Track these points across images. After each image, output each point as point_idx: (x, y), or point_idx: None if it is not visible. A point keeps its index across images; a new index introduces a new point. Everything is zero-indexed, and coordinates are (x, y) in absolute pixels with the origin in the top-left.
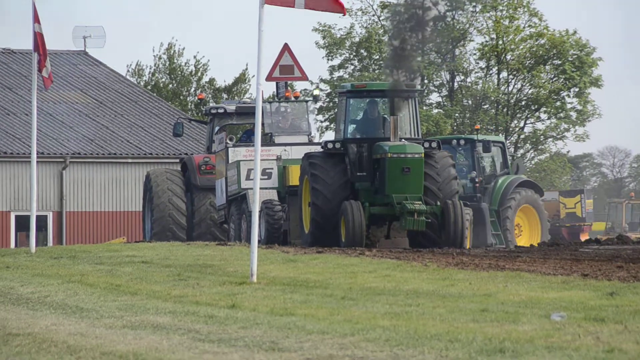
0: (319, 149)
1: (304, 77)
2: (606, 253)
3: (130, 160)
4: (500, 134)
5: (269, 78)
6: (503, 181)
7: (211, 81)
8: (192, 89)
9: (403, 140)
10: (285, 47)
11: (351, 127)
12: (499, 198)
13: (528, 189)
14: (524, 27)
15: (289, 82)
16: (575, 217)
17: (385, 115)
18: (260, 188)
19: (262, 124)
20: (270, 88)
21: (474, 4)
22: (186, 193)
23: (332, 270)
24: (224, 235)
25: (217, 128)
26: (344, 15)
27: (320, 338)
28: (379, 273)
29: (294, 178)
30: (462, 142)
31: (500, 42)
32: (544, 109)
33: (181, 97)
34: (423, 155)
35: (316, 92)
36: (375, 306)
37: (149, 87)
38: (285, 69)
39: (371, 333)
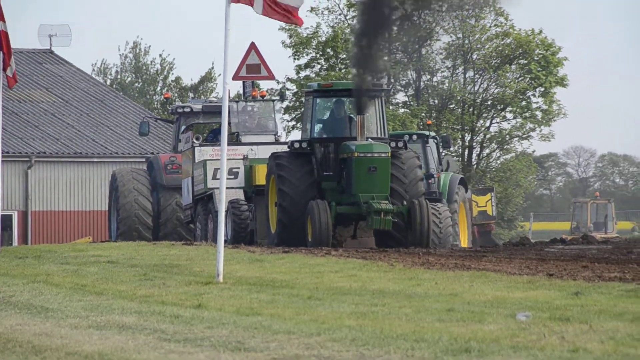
0: (285, 148)
1: (270, 77)
2: (571, 253)
3: (96, 160)
4: (466, 134)
5: (235, 77)
6: (445, 178)
7: (177, 80)
8: (158, 88)
9: (370, 139)
10: (252, 46)
11: (318, 127)
12: (446, 195)
13: (461, 187)
14: (490, 27)
15: (255, 81)
16: (486, 216)
17: (352, 115)
18: (227, 188)
19: (229, 124)
20: (236, 87)
21: (440, 3)
22: (152, 192)
23: (299, 270)
24: (190, 235)
25: (183, 127)
26: (300, 25)
27: (286, 338)
28: (345, 273)
29: (260, 177)
30: (414, 137)
31: (467, 41)
32: (510, 108)
33: (147, 96)
34: (390, 154)
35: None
36: (341, 306)
37: (115, 86)
38: (252, 68)
39: (337, 333)
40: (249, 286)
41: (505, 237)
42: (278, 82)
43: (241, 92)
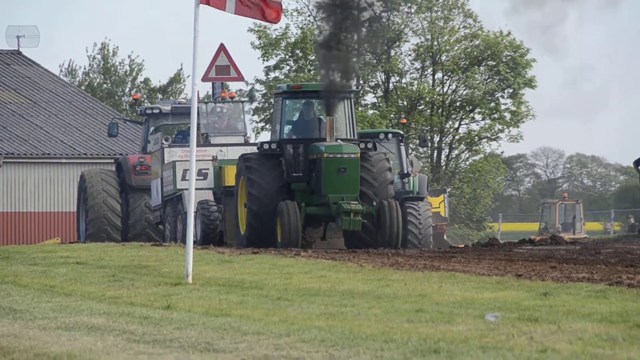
0: (254, 149)
1: (240, 78)
2: (540, 253)
3: (64, 161)
4: (435, 135)
5: (205, 78)
6: (415, 178)
7: (146, 81)
8: (127, 89)
9: (339, 140)
10: (221, 48)
11: (287, 128)
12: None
13: None
14: (458, 28)
15: (224, 82)
16: (439, 217)
17: (321, 116)
18: (196, 189)
19: (198, 125)
20: (205, 88)
21: (409, 4)
22: (121, 194)
23: (268, 271)
24: (159, 237)
25: (152, 128)
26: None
27: (255, 339)
28: (315, 274)
29: (229, 178)
30: (389, 136)
31: (435, 43)
32: (479, 109)
33: (116, 97)
34: (359, 155)
35: (255, 87)
36: (310, 307)
37: (83, 87)
38: (221, 69)
39: (306, 334)
40: (218, 287)
41: (474, 238)
42: (247, 84)
43: (211, 93)
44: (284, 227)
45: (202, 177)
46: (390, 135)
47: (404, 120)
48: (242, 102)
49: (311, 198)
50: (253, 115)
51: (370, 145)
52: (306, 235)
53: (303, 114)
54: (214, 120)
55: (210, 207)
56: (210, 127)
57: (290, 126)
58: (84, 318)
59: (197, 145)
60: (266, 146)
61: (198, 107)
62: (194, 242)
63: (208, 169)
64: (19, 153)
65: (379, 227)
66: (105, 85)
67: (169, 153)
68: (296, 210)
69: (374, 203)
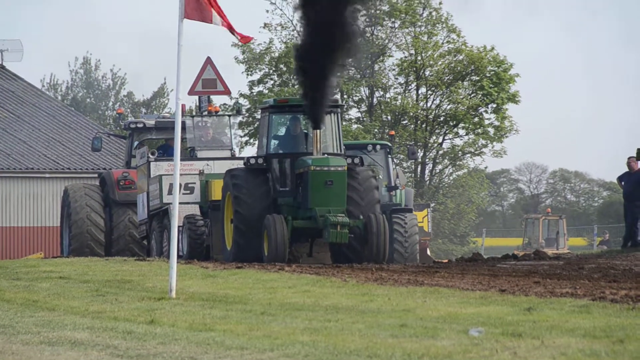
0: (241, 163)
1: (226, 91)
2: (523, 269)
3: (47, 175)
4: (419, 150)
5: (191, 92)
6: (402, 191)
7: (129, 95)
8: (110, 103)
9: (325, 154)
10: (208, 61)
11: (274, 143)
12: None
13: None
14: (442, 43)
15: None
16: (422, 232)
17: (307, 131)
18: (183, 203)
19: (184, 139)
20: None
21: (392, 19)
22: (105, 208)
23: (252, 285)
24: (142, 252)
25: (136, 143)
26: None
27: (239, 353)
28: (299, 288)
29: (216, 193)
30: (377, 147)
31: (419, 57)
32: (462, 124)
33: (99, 112)
34: (346, 168)
35: (239, 101)
36: (294, 322)
37: (67, 102)
38: (208, 82)
39: (290, 348)
40: (202, 302)
41: (457, 253)
42: (231, 98)
43: (197, 106)
44: (271, 240)
45: (188, 192)
46: (378, 147)
47: (393, 132)
48: (229, 115)
49: (298, 212)
50: (237, 129)
51: (357, 161)
52: (293, 251)
53: (290, 128)
54: (200, 134)
55: (197, 221)
56: (196, 141)
57: (277, 141)
58: (68, 333)
59: (184, 159)
60: (253, 161)
61: (184, 121)
62: (180, 257)
63: (195, 183)
64: (2, 167)
65: (365, 241)
66: (88, 100)
67: (155, 167)
68: (283, 224)
69: (361, 217)
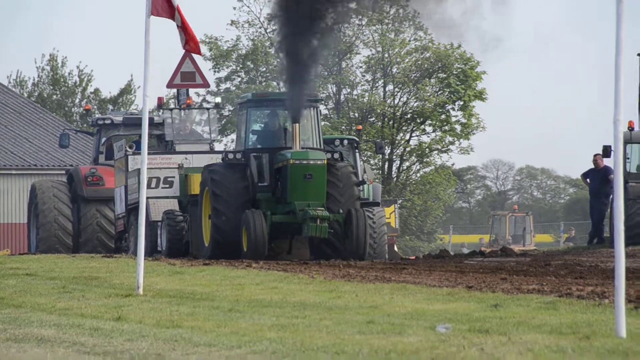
0: (220, 157)
1: (205, 84)
2: (490, 265)
3: (14, 172)
4: (386, 147)
5: (169, 85)
6: (369, 186)
7: (96, 92)
8: (77, 100)
9: (305, 149)
10: (187, 54)
11: (252, 138)
12: None
13: None
14: (409, 41)
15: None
16: (389, 228)
17: (287, 126)
18: (162, 197)
19: (163, 133)
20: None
21: (360, 17)
22: (72, 205)
23: (219, 282)
24: (110, 248)
25: (104, 139)
26: (199, 54)
27: (207, 350)
28: (266, 285)
29: (195, 187)
30: (345, 142)
31: (386, 55)
32: (429, 121)
33: (66, 108)
34: (326, 161)
35: (218, 99)
36: (262, 318)
37: (33, 98)
38: (187, 75)
39: (258, 345)
40: (169, 298)
41: (424, 250)
42: (208, 92)
43: (175, 100)
44: (250, 236)
45: (167, 185)
46: (345, 142)
47: (360, 127)
48: (208, 109)
49: (277, 207)
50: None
51: (337, 156)
52: (273, 247)
53: (268, 123)
54: (179, 127)
55: (177, 217)
56: (175, 135)
57: (256, 136)
58: (34, 330)
59: (163, 153)
60: (231, 156)
61: (152, 118)
62: (159, 252)
63: (174, 176)
64: None
65: (345, 235)
66: (55, 96)
67: (133, 160)
68: (262, 219)
69: (341, 211)
